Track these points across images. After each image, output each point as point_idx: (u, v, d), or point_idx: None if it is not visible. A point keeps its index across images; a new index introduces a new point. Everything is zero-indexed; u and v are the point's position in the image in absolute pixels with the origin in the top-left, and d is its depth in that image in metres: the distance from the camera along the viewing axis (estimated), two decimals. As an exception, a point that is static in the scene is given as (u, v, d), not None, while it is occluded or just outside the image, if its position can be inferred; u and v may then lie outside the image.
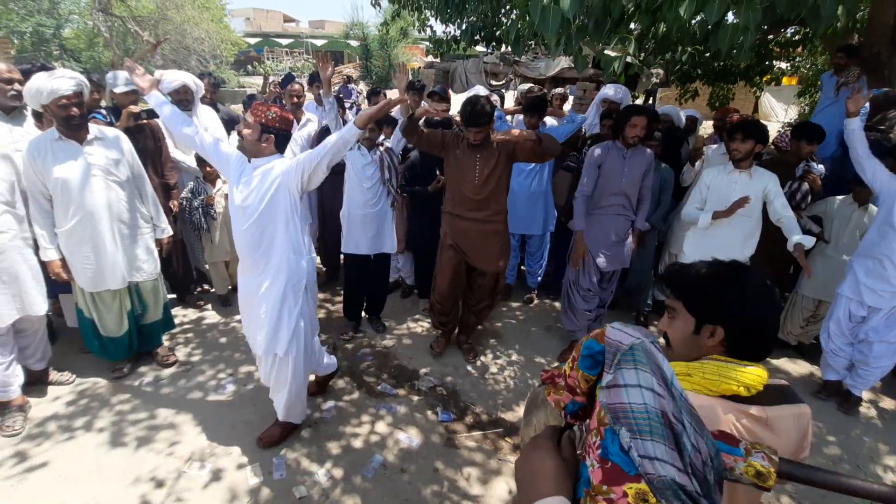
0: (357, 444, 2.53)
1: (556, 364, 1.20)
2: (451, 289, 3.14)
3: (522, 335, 3.66)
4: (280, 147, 2.23)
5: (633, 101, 4.68)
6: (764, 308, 1.03)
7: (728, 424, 0.99)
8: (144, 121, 3.20)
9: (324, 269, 4.40)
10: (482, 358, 3.33)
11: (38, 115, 2.77)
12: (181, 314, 3.70)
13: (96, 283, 2.68)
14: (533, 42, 4.89)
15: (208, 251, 3.66)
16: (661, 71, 6.79)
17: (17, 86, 2.58)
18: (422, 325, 3.73)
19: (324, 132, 3.67)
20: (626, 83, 4.74)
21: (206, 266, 3.79)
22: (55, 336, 3.21)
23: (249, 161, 2.22)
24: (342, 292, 3.63)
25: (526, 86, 4.14)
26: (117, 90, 3.16)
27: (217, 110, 4.04)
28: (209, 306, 3.83)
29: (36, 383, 2.79)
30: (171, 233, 3.03)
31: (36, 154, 2.43)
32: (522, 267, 4.28)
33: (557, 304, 3.89)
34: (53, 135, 2.47)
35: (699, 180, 3.08)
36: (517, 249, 3.96)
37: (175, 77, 3.40)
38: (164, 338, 3.22)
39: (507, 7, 4.80)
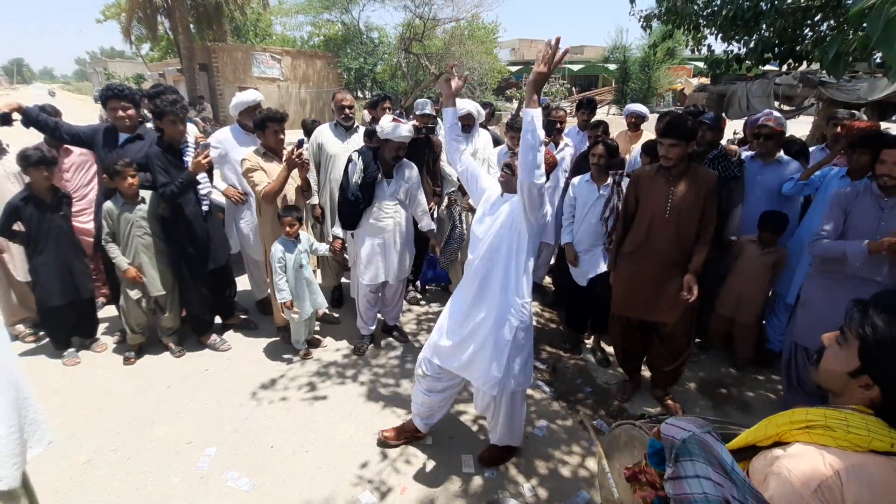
0: (565, 472, 2.48)
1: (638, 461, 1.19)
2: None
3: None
4: None
5: None
6: None
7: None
8: (427, 135, 3.84)
9: (552, 287, 4.47)
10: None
11: (369, 134, 3.66)
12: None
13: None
14: (855, 60, 3.90)
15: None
16: None
17: (348, 111, 3.60)
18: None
19: (582, 159, 3.71)
20: None
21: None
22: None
23: (502, 195, 2.20)
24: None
25: (840, 112, 3.25)
26: (418, 112, 3.89)
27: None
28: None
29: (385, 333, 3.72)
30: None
31: None
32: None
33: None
34: None
35: None
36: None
37: (463, 105, 3.95)
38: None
39: (816, 18, 3.97)
